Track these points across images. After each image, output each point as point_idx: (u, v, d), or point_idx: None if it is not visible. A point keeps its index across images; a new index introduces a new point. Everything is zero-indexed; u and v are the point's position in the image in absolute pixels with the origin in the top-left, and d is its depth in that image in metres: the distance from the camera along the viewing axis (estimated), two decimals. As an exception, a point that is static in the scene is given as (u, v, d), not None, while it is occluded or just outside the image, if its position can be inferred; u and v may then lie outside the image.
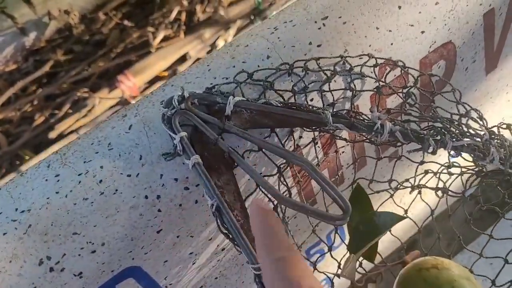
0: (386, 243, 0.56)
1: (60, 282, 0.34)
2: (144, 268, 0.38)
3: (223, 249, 0.42)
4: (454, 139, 0.37)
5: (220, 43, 1.42)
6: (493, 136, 0.37)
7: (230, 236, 0.34)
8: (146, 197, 0.36)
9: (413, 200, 0.42)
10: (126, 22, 1.44)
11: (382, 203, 0.45)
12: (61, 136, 1.35)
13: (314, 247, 0.52)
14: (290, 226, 0.46)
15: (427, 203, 0.42)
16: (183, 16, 1.38)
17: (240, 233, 0.33)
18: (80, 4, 1.47)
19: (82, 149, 0.37)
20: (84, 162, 0.36)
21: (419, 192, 0.42)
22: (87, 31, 1.48)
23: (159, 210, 0.36)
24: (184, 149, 0.35)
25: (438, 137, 0.37)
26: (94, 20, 1.48)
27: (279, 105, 0.36)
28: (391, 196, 0.44)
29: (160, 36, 1.33)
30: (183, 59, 1.39)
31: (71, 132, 1.36)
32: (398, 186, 0.42)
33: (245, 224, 0.34)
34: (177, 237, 0.38)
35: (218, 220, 0.34)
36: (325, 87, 0.38)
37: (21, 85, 1.40)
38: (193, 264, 0.41)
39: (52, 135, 1.35)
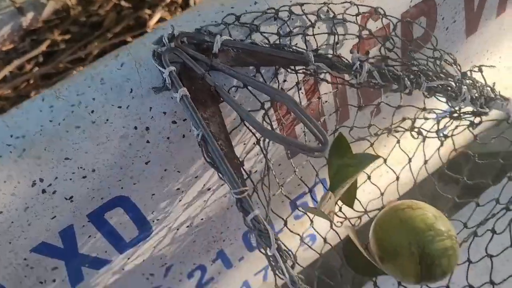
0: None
1: (51, 204, 0.36)
2: (132, 199, 0.40)
3: (209, 189, 0.44)
4: (428, 80, 0.39)
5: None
6: (465, 77, 0.39)
7: (214, 165, 0.36)
8: (136, 128, 0.38)
9: (392, 149, 0.44)
10: (123, 3, 1.45)
11: (364, 150, 0.47)
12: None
13: (298, 199, 0.54)
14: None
15: (403, 151, 0.44)
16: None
17: (224, 160, 0.35)
18: (78, -15, 1.48)
19: (75, 84, 0.39)
20: (77, 95, 0.38)
21: (395, 132, 0.44)
22: (84, 13, 1.49)
23: (147, 141, 0.38)
24: (173, 82, 0.36)
25: (414, 79, 0.39)
26: (92, 2, 1.49)
27: (264, 45, 0.38)
28: (371, 144, 0.46)
29: (157, 17, 1.35)
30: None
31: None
32: (377, 132, 0.44)
33: (229, 153, 0.36)
34: (165, 170, 0.40)
35: (203, 150, 0.36)
36: (309, 32, 0.40)
37: (18, 64, 1.41)
38: (179, 201, 0.43)
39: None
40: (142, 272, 0.46)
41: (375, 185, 0.48)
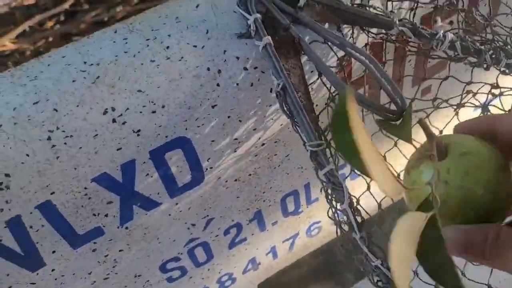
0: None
1: (119, 135, 0.36)
2: (193, 142, 0.40)
3: (263, 144, 0.44)
4: (508, 57, 0.39)
5: None
6: None
7: (292, 116, 0.36)
8: (208, 69, 0.37)
9: (451, 120, 0.44)
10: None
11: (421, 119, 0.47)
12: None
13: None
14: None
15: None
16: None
17: (303, 112, 0.36)
18: None
19: (149, 20, 0.39)
20: (152, 30, 0.38)
21: (456, 113, 0.44)
22: (111, -24, 1.47)
23: (218, 85, 0.38)
24: (257, 30, 0.36)
25: (493, 54, 0.39)
26: (119, -34, 1.47)
27: (349, 4, 0.38)
28: (428, 115, 0.46)
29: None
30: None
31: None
32: (440, 103, 0.44)
33: (307, 105, 0.36)
34: (228, 117, 0.40)
35: (282, 100, 0.36)
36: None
37: (39, 19, 1.40)
38: (234, 151, 0.43)
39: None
40: (185, 221, 0.46)
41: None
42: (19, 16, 1.40)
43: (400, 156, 0.45)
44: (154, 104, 0.36)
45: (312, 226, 0.61)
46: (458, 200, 0.29)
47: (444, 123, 0.48)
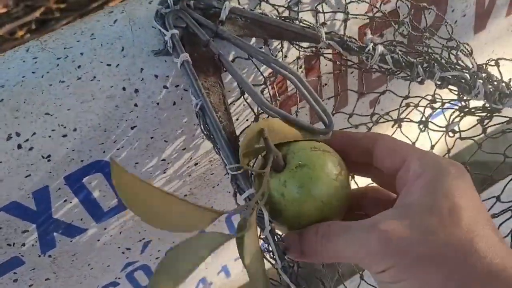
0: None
1: (27, 161, 0.34)
2: (114, 165, 0.37)
3: (196, 164, 0.42)
4: (442, 70, 0.37)
5: None
6: (480, 69, 0.38)
7: (211, 137, 0.34)
8: (124, 88, 0.35)
9: (392, 134, 0.43)
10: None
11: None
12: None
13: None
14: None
15: (406, 136, 0.43)
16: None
17: (221, 133, 0.33)
18: (79, -47, 1.44)
19: (63, 37, 0.36)
20: (65, 48, 0.35)
21: (399, 126, 0.42)
22: (83, -17, 1.45)
23: (135, 105, 0.36)
24: (175, 46, 0.34)
25: (427, 67, 0.37)
26: (92, -28, 1.45)
27: (273, 17, 0.36)
28: (369, 129, 0.44)
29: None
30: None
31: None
32: (378, 118, 0.43)
33: (227, 126, 0.34)
34: (151, 138, 0.38)
35: (201, 120, 0.34)
36: (320, 8, 0.38)
37: (9, 28, 1.37)
38: (164, 173, 0.41)
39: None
40: (118, 245, 0.44)
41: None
42: (-11, 25, 1.37)
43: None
44: (65, 127, 0.34)
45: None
46: (294, 212, 0.31)
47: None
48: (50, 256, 0.40)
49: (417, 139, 0.43)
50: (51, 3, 1.41)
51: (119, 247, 0.44)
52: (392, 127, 0.42)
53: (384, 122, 0.43)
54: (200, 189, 0.45)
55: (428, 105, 0.40)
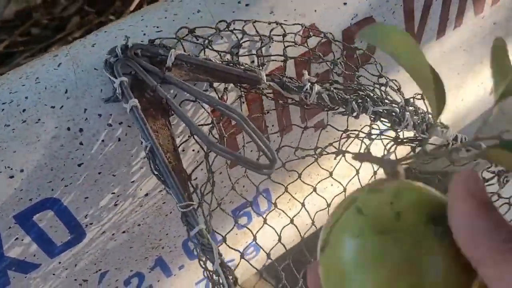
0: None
1: (-26, 204, 0.35)
2: (64, 202, 0.39)
3: (146, 195, 0.44)
4: (374, 105, 0.40)
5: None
6: (408, 103, 0.41)
7: (162, 178, 0.36)
8: (69, 129, 0.37)
9: (337, 163, 0.46)
10: (87, 8, 1.43)
11: (306, 167, 0.48)
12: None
13: (241, 209, 0.54)
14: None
15: (351, 164, 0.45)
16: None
17: (171, 174, 0.35)
18: (41, -13, 1.46)
19: (9, 82, 0.38)
20: (10, 93, 0.37)
21: (343, 155, 0.45)
22: (46, 15, 1.46)
23: (81, 143, 0.38)
24: (123, 93, 0.36)
25: (361, 103, 0.40)
26: (56, 5, 1.47)
27: (217, 62, 0.39)
28: (316, 160, 0.47)
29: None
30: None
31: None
32: (322, 151, 0.46)
33: (176, 166, 0.36)
34: (99, 173, 0.40)
35: (151, 162, 0.36)
36: (261, 51, 0.41)
37: (-28, 63, 1.36)
38: (115, 205, 0.43)
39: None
40: (74, 277, 0.45)
41: (321, 196, 0.49)
42: (-49, 60, 1.37)
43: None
44: (11, 169, 0.36)
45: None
46: None
47: (331, 167, 0.49)
48: (5, 293, 0.41)
49: (360, 167, 0.46)
50: (15, 36, 1.42)
51: (75, 279, 0.45)
52: (335, 159, 0.46)
53: (326, 154, 0.46)
54: (152, 218, 0.47)
55: (366, 136, 0.44)
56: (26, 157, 0.36)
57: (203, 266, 0.36)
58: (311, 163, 0.49)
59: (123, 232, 0.45)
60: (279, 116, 0.47)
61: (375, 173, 0.50)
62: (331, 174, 0.50)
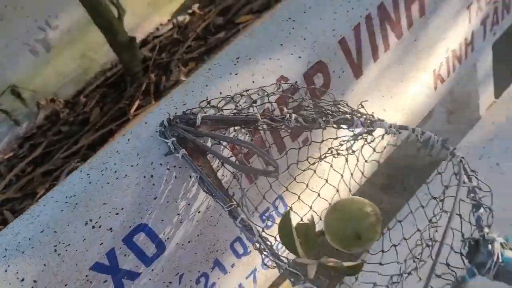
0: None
1: (99, 235, 0.56)
2: (149, 225, 0.60)
3: (199, 212, 0.65)
4: (333, 117, 0.62)
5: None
6: (354, 111, 0.63)
7: (211, 193, 0.57)
8: (144, 176, 0.59)
9: (329, 171, 0.66)
10: (104, 101, 1.70)
11: (310, 178, 0.69)
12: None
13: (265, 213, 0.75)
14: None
15: (335, 170, 0.66)
16: (152, 87, 1.66)
17: (216, 189, 0.56)
18: (63, 92, 1.73)
19: (101, 158, 0.60)
20: (103, 163, 0.59)
21: (334, 155, 0.66)
22: (72, 113, 1.73)
23: (153, 184, 0.59)
24: (175, 147, 0.58)
25: (325, 119, 0.62)
26: (77, 103, 1.74)
27: (228, 114, 0.61)
28: (315, 172, 0.68)
29: (135, 105, 1.60)
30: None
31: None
32: (310, 164, 0.67)
33: (218, 184, 0.58)
34: (167, 202, 0.61)
35: (202, 185, 0.57)
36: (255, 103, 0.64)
37: (20, 168, 1.62)
38: (180, 222, 0.63)
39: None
40: (163, 281, 0.65)
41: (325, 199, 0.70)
42: (3, 170, 1.62)
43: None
44: (115, 208, 0.57)
45: (265, 259, 0.80)
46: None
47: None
48: (122, 296, 0.61)
49: (345, 167, 0.67)
50: (49, 137, 1.68)
51: (163, 282, 0.65)
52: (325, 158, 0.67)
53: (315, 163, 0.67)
54: (206, 228, 0.67)
55: (336, 142, 0.65)
56: (122, 199, 0.58)
57: (256, 246, 0.56)
58: (312, 175, 0.70)
59: (189, 242, 0.66)
60: (275, 141, 0.69)
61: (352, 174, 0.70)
62: (326, 180, 0.70)
